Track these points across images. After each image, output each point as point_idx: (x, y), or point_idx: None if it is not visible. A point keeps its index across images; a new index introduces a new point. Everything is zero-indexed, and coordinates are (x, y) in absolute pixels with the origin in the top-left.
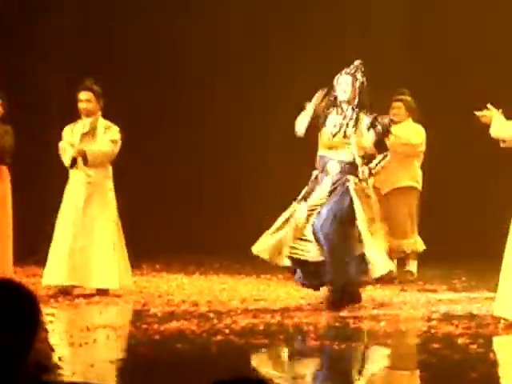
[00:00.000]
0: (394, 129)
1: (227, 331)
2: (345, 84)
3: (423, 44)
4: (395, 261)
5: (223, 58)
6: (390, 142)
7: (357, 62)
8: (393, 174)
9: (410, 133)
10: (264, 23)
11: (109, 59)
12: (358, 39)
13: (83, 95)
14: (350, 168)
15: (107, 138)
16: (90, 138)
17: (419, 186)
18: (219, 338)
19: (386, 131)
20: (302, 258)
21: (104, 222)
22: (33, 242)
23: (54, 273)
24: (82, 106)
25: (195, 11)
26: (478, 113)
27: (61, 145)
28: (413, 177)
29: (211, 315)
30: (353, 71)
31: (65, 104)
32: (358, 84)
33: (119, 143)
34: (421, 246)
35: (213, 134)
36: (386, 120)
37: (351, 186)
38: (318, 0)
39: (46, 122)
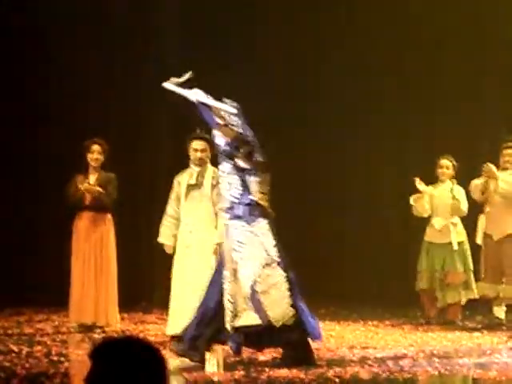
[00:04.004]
0: (506, 176)
1: (337, 380)
2: None
3: None
4: (504, 307)
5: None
6: (504, 189)
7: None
8: (505, 221)
9: None
10: None
11: None
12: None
13: (198, 145)
14: None
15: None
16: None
17: None
18: None
19: None
20: None
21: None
22: (139, 288)
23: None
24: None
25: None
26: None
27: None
28: None
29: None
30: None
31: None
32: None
33: None
34: None
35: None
36: None
37: None
38: None
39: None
